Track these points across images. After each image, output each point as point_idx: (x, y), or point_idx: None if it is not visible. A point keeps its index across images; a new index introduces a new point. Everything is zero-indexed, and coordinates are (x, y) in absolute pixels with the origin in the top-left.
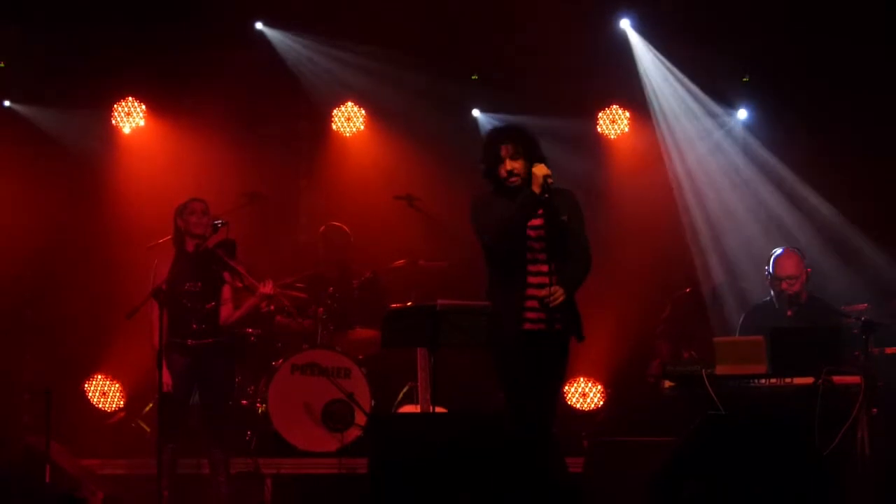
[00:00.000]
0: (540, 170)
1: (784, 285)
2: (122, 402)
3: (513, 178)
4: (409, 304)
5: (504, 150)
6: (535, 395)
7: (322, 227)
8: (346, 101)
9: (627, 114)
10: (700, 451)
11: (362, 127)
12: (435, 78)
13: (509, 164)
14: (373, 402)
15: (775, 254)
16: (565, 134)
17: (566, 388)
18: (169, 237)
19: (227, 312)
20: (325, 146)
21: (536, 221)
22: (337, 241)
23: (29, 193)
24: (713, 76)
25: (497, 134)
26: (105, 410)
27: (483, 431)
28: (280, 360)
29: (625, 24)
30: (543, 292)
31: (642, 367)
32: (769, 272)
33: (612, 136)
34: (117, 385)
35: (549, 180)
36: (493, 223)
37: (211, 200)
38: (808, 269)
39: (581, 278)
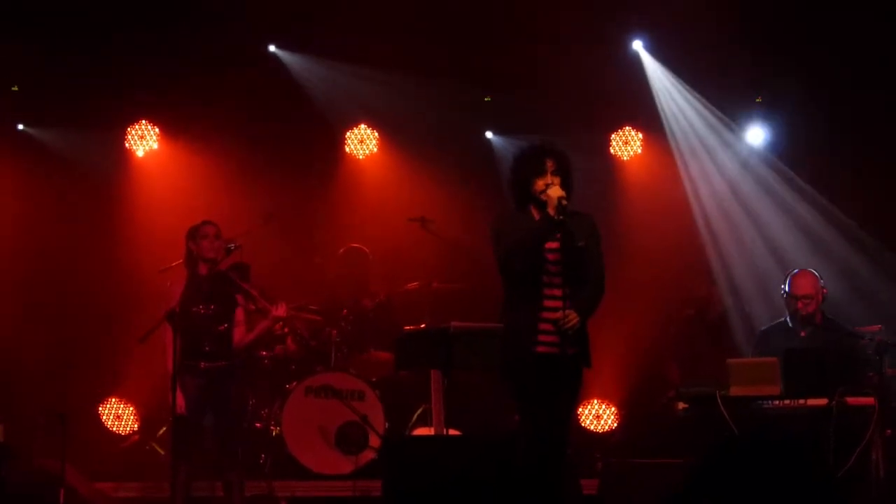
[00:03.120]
0: (555, 192)
1: (800, 305)
2: (136, 425)
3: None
4: (422, 326)
5: (550, 163)
6: (547, 415)
7: (342, 249)
8: (359, 123)
9: (640, 135)
10: (714, 472)
11: (375, 149)
12: (448, 100)
13: (550, 178)
14: (387, 425)
15: (792, 273)
16: (578, 156)
17: (580, 410)
18: (181, 260)
19: (240, 335)
20: (339, 168)
21: (553, 244)
22: (357, 262)
23: (42, 216)
24: (726, 97)
25: (543, 146)
26: (119, 433)
27: (496, 454)
28: (294, 383)
29: (637, 46)
30: (558, 315)
31: (655, 389)
32: (785, 291)
33: (625, 158)
34: (131, 408)
35: (564, 202)
36: (512, 244)
37: (224, 223)
38: (825, 290)
39: (595, 304)
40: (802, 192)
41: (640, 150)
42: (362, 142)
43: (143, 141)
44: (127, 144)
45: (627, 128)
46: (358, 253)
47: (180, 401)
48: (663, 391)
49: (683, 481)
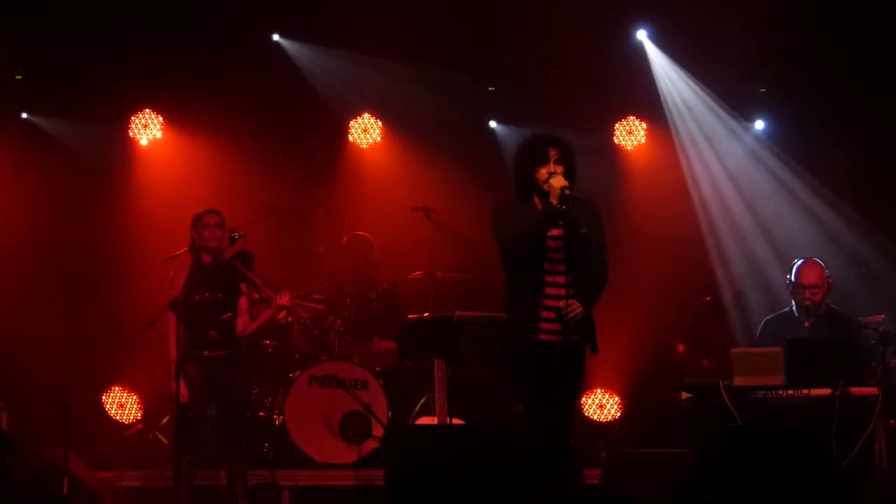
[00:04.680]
0: (557, 181)
1: (807, 294)
2: (139, 414)
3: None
4: (426, 315)
5: (553, 152)
6: (550, 404)
7: (345, 237)
8: (363, 112)
9: (644, 125)
10: (718, 463)
11: (379, 138)
12: (451, 89)
13: (553, 166)
14: (390, 414)
15: (798, 263)
16: (581, 145)
17: (583, 399)
18: (185, 249)
19: (243, 323)
20: (342, 158)
21: (556, 232)
22: (361, 249)
23: (46, 205)
24: (730, 87)
25: (546, 136)
26: (123, 422)
27: (499, 444)
28: (297, 372)
29: (641, 35)
30: (560, 303)
31: (659, 378)
32: (791, 281)
33: (629, 148)
34: (135, 397)
35: (567, 192)
36: (513, 232)
37: (228, 212)
38: (830, 280)
39: (598, 292)
40: (805, 182)
41: (643, 140)
42: (366, 131)
43: (147, 130)
44: (130, 133)
45: (631, 117)
46: (362, 240)
47: (183, 390)
48: (668, 380)
49: (687, 472)
